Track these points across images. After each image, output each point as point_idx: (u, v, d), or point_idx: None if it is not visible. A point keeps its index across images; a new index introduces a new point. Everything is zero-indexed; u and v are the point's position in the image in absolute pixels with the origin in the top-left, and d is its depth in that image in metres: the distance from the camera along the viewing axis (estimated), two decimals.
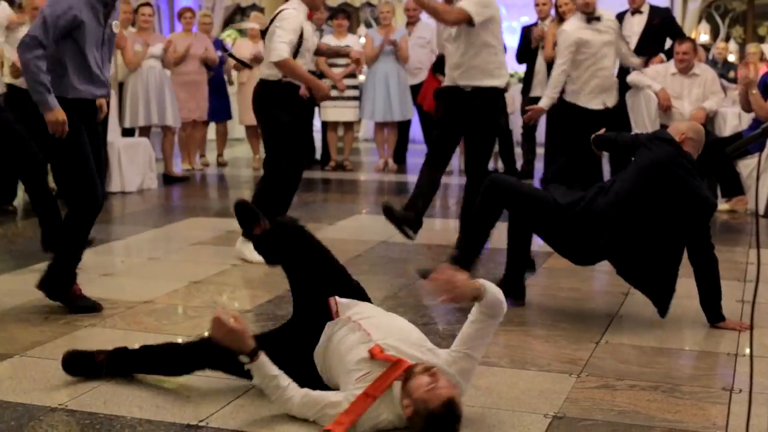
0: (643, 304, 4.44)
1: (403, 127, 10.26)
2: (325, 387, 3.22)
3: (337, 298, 3.36)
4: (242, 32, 13.83)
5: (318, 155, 10.51)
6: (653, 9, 8.42)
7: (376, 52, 9.69)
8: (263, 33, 5.83)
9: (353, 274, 3.59)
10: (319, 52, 6.15)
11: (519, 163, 9.33)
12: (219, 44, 10.31)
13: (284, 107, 5.63)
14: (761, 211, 7.15)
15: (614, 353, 3.90)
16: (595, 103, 7.12)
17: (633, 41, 8.12)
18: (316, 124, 10.54)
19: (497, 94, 5.77)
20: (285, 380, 3.08)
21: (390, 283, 5.09)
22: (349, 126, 10.17)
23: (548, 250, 5.28)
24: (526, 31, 9.00)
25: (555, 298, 4.84)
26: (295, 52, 5.57)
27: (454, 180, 8.89)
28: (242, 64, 9.07)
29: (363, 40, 10.27)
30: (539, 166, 8.98)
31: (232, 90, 10.37)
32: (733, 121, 8.15)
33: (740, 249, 5.90)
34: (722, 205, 7.26)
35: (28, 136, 5.16)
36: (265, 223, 3.84)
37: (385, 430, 3.01)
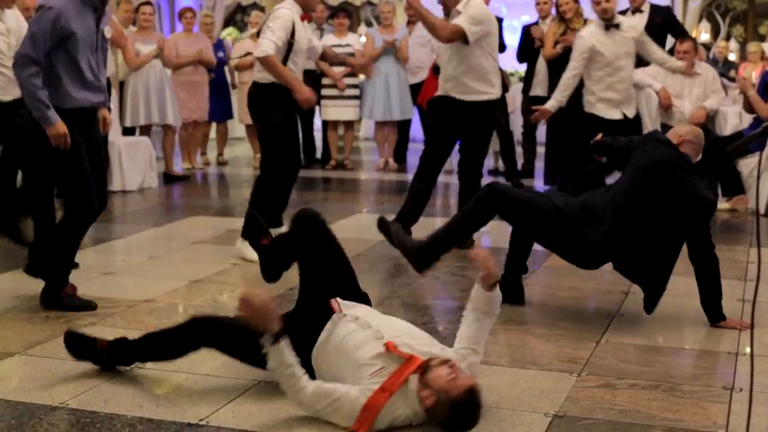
0: (643, 303, 4.44)
1: (404, 126, 10.26)
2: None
3: (339, 299, 3.36)
4: (242, 31, 13.85)
5: (318, 154, 10.51)
6: (654, 8, 8.42)
7: (377, 52, 9.70)
8: (259, 34, 5.84)
9: None
10: (324, 57, 6.16)
11: (519, 163, 9.32)
12: (220, 45, 10.30)
13: (278, 108, 5.61)
14: (762, 210, 7.15)
15: (615, 352, 3.90)
16: (613, 113, 6.92)
17: None
18: (317, 123, 10.54)
19: (489, 106, 5.82)
20: (300, 370, 3.06)
21: (390, 283, 5.09)
22: (349, 125, 10.17)
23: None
24: (527, 30, 8.99)
25: (555, 297, 4.84)
26: (287, 52, 5.56)
27: (454, 179, 8.86)
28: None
29: (363, 39, 10.27)
30: (540, 166, 8.98)
31: (233, 90, 10.38)
32: (733, 120, 8.14)
33: (741, 248, 5.90)
34: (723, 204, 7.26)
35: (24, 147, 5.17)
36: (270, 237, 3.96)
37: (400, 426, 3.01)
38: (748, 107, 7.34)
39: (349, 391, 3.02)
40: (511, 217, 4.42)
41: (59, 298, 4.47)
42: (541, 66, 8.65)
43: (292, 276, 3.76)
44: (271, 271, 4.01)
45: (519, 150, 9.46)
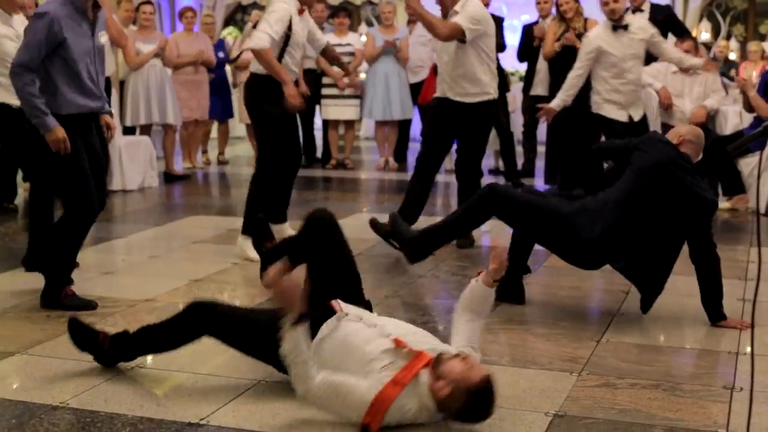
0: (640, 303, 4.43)
1: (404, 125, 10.27)
2: None
3: (340, 301, 3.37)
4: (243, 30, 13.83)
5: (319, 154, 10.51)
6: (654, 7, 8.41)
7: (377, 51, 9.70)
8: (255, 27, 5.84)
9: None
10: (325, 53, 6.12)
11: (520, 162, 9.32)
12: (221, 45, 10.30)
13: (274, 101, 5.57)
14: (762, 209, 7.15)
15: (615, 352, 3.90)
16: (619, 114, 6.89)
17: None
18: (317, 123, 10.54)
19: (486, 107, 5.84)
20: (312, 360, 3.06)
21: (390, 282, 5.09)
22: (350, 124, 10.17)
23: None
24: (527, 30, 8.99)
25: (556, 296, 4.84)
26: (284, 46, 5.55)
27: (455, 179, 8.86)
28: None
29: (364, 38, 10.27)
30: (540, 165, 8.97)
31: (234, 89, 10.38)
32: (734, 119, 8.14)
33: (741, 247, 5.90)
34: (723, 204, 7.26)
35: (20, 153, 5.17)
36: (275, 241, 4.03)
37: (407, 424, 3.02)
38: (748, 107, 7.35)
39: (360, 383, 3.01)
40: (510, 218, 4.42)
41: (59, 297, 4.48)
42: (542, 65, 8.65)
43: None
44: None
45: (519, 149, 9.46)
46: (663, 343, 4.05)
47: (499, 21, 9.10)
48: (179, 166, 9.63)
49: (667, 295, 4.37)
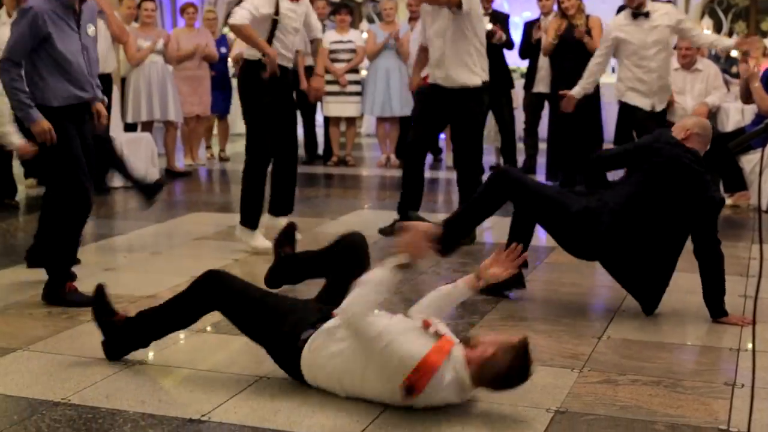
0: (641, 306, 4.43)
1: (405, 122, 10.24)
2: (297, 367, 3.26)
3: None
4: None
5: (320, 150, 10.51)
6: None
7: (378, 48, 9.69)
8: None
9: None
10: (312, 44, 6.08)
11: (521, 159, 9.32)
12: (223, 40, 10.30)
13: (265, 88, 5.54)
14: (764, 206, 7.13)
15: (616, 348, 3.90)
16: (642, 102, 6.88)
17: None
18: (319, 120, 10.54)
19: (476, 92, 5.83)
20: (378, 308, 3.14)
21: None
22: (351, 121, 10.17)
23: (550, 245, 5.30)
24: (529, 27, 8.99)
25: (557, 293, 4.84)
26: (272, 29, 5.51)
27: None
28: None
29: (365, 35, 10.26)
30: (542, 162, 8.97)
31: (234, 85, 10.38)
32: (735, 116, 8.14)
33: (743, 244, 5.90)
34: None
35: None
36: (294, 248, 4.17)
37: (438, 406, 3.07)
38: (745, 97, 7.31)
39: (414, 340, 3.04)
40: (521, 198, 4.45)
41: (61, 293, 4.48)
42: (544, 62, 8.64)
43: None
44: (277, 279, 4.11)
45: (520, 146, 9.46)
46: (664, 339, 4.04)
47: (504, 18, 9.10)
48: (180, 162, 9.64)
49: (668, 292, 4.37)
